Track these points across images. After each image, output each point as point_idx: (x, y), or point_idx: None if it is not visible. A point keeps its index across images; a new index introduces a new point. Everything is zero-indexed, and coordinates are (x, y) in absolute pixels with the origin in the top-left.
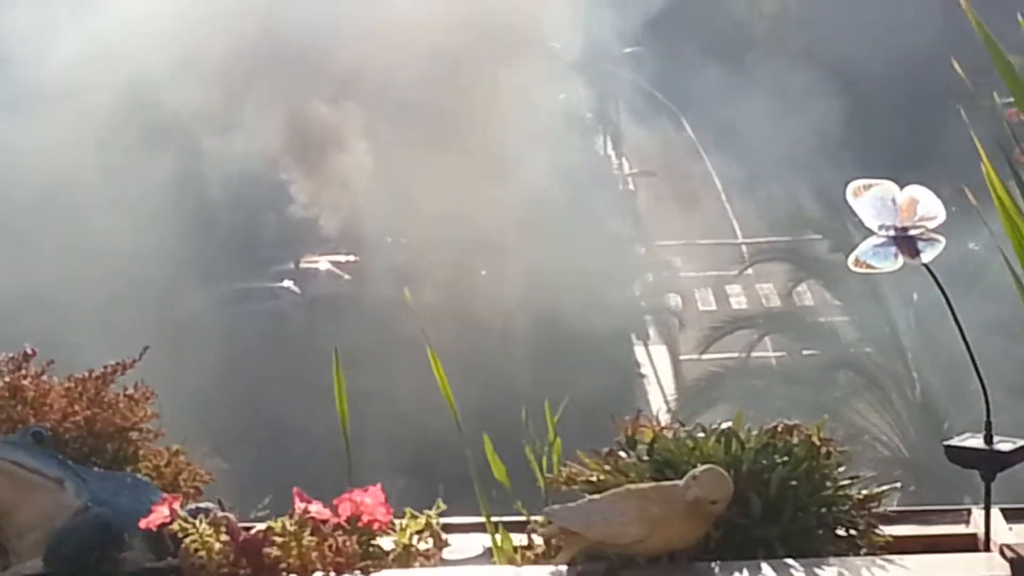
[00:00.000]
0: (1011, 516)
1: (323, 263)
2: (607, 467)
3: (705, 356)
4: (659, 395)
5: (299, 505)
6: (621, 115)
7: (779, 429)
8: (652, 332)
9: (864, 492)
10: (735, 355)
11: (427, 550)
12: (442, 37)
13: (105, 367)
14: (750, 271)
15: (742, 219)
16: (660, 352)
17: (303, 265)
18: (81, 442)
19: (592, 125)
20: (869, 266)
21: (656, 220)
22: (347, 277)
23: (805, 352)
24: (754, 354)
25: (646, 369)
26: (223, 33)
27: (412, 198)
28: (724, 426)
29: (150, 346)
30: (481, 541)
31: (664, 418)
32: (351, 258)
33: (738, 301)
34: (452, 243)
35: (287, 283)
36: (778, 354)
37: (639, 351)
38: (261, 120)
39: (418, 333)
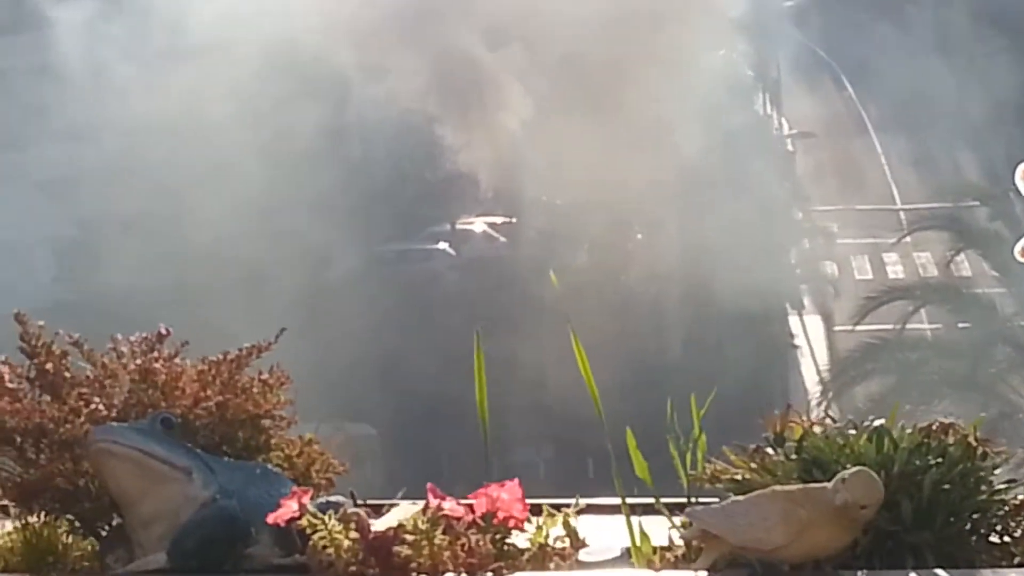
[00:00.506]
0: None
1: (479, 224)
2: (753, 465)
3: (859, 327)
4: (812, 366)
5: (432, 502)
6: (781, 73)
7: (934, 428)
8: (807, 301)
9: (1022, 496)
10: (890, 327)
11: (563, 550)
12: None
13: (240, 350)
14: (908, 239)
15: (902, 185)
16: (814, 322)
17: (459, 226)
18: (212, 429)
19: (752, 83)
20: None
21: (815, 184)
22: (503, 239)
23: (961, 325)
24: (909, 326)
25: (800, 340)
26: None
27: (569, 158)
28: (876, 423)
29: (286, 328)
30: (620, 543)
31: (815, 412)
32: (508, 220)
33: (895, 270)
34: (608, 206)
35: (442, 245)
36: (934, 326)
37: (793, 321)
38: (419, 74)
39: (569, 300)
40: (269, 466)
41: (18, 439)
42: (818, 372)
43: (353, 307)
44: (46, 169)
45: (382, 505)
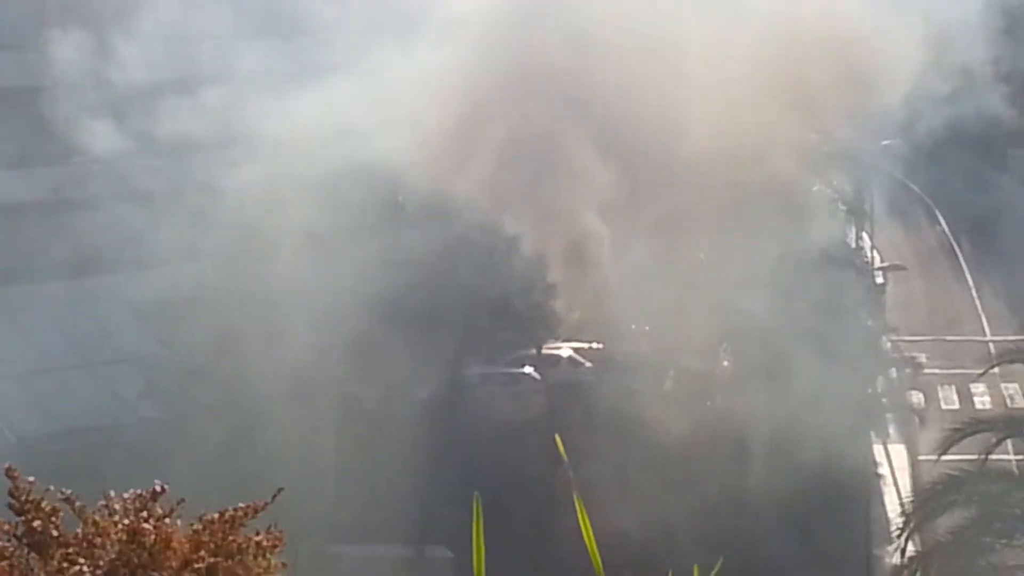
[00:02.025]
0: None
1: (565, 350)
2: None
3: (944, 457)
4: (895, 496)
5: None
6: (875, 206)
7: None
8: (892, 430)
9: None
10: (974, 457)
11: None
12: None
13: (235, 509)
14: (996, 370)
15: (992, 317)
16: (899, 451)
17: (545, 351)
18: None
19: (845, 216)
20: None
21: (904, 314)
22: (588, 364)
23: None
24: (993, 456)
25: (883, 468)
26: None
27: (662, 289)
28: None
29: (283, 488)
30: None
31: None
32: (595, 345)
33: (982, 401)
34: (696, 332)
35: (528, 369)
36: (1019, 458)
37: (878, 449)
38: (520, 211)
39: (646, 429)
40: None
41: None
42: (900, 503)
43: (436, 426)
44: (138, 291)
45: None
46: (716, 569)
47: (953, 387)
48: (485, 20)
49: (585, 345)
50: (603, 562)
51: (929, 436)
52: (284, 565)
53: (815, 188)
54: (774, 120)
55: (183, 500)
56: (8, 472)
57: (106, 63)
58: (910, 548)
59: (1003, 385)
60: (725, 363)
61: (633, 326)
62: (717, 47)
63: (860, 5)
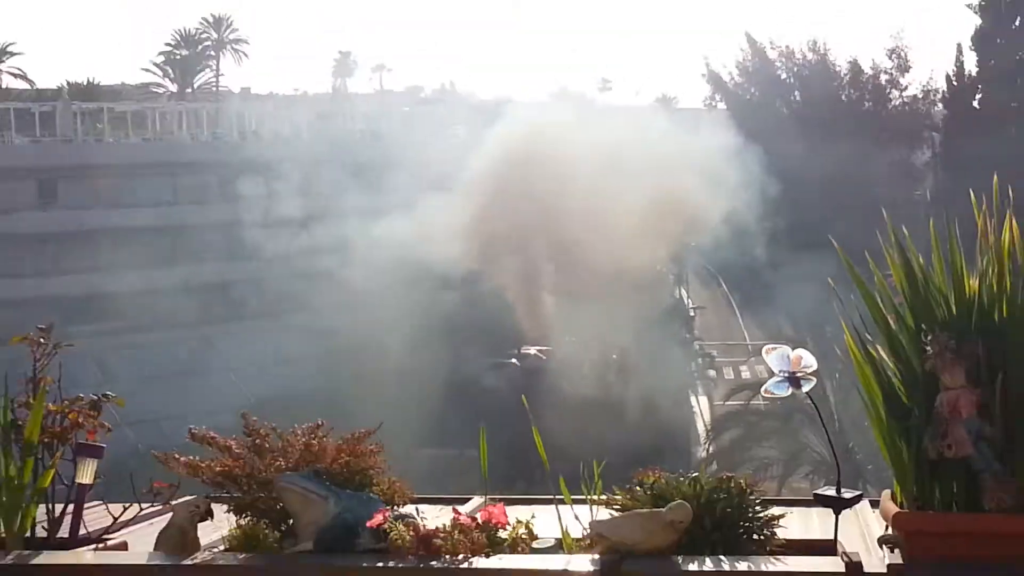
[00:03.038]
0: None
1: (532, 350)
2: (628, 496)
3: (727, 403)
4: (702, 422)
5: (456, 516)
6: (689, 277)
7: (724, 478)
8: (700, 390)
9: (768, 514)
10: (742, 403)
11: (525, 540)
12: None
13: (360, 432)
14: (753, 358)
15: (749, 330)
16: (703, 400)
17: (522, 351)
18: (342, 475)
19: (674, 282)
20: (771, 393)
21: (705, 331)
22: (544, 358)
23: (779, 402)
24: (752, 403)
25: (696, 408)
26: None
27: (579, 320)
28: (693, 475)
29: (383, 422)
30: (552, 533)
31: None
32: (546, 348)
33: (746, 374)
34: (597, 343)
35: (513, 360)
36: (764, 403)
37: (692, 400)
38: (505, 281)
39: (575, 393)
40: (371, 495)
41: (240, 480)
42: (705, 425)
43: (467, 393)
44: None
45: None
46: (602, 464)
47: (731, 368)
48: (487, 181)
49: (543, 348)
50: (548, 461)
51: (718, 393)
52: (385, 460)
53: (659, 268)
54: (642, 237)
55: (332, 428)
56: (243, 415)
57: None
58: (710, 449)
59: (757, 367)
60: (614, 356)
61: (566, 339)
62: (616, 197)
63: (692, 183)
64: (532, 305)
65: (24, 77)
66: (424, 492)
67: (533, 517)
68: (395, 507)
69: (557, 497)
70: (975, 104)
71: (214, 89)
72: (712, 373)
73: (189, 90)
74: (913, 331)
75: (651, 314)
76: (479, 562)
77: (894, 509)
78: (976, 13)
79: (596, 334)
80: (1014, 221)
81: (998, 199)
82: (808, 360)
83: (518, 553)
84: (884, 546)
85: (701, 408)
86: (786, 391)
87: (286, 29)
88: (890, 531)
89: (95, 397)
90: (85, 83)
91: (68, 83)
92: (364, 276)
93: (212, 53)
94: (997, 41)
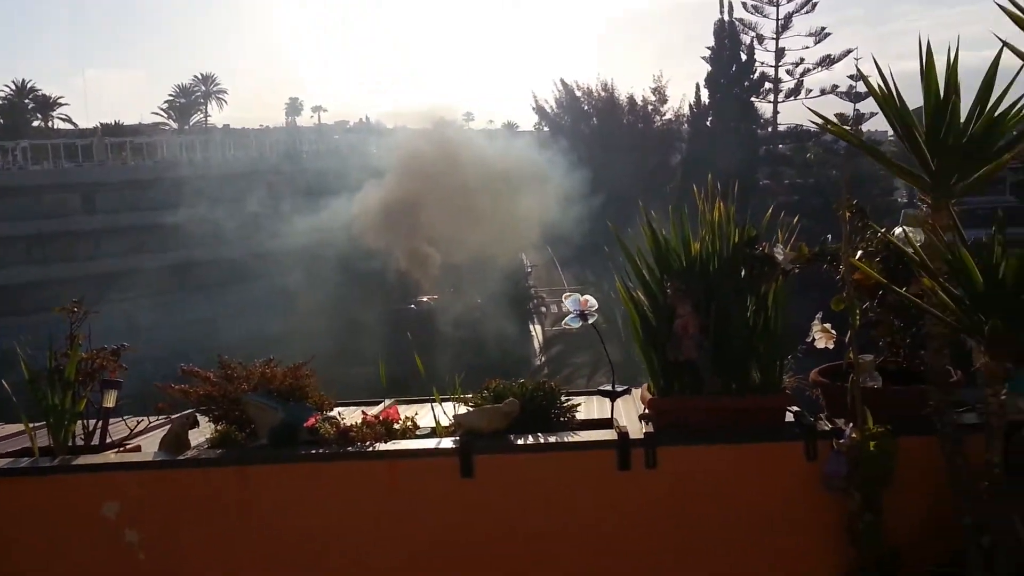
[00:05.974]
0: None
1: (425, 297)
2: (479, 397)
3: (553, 328)
4: (537, 342)
5: (364, 416)
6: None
7: (541, 383)
8: (535, 319)
9: (570, 403)
10: (564, 327)
11: (411, 429)
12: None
13: (301, 363)
14: (572, 294)
15: (567, 279)
16: (538, 328)
17: (418, 298)
18: (287, 393)
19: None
20: (568, 326)
21: (537, 281)
22: (431, 303)
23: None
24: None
25: (533, 333)
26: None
27: (456, 280)
28: (521, 380)
29: (316, 355)
30: (429, 424)
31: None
32: (434, 296)
33: (567, 308)
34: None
35: (412, 305)
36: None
37: (530, 326)
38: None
39: (443, 324)
40: (307, 404)
41: (217, 399)
42: (539, 344)
43: (375, 329)
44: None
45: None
46: (462, 376)
47: (555, 304)
48: (390, 184)
49: (432, 297)
50: (427, 373)
51: (548, 322)
52: (316, 381)
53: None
54: (504, 232)
55: (280, 360)
56: (220, 358)
57: None
58: (543, 359)
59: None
60: (479, 301)
61: (449, 289)
62: (478, 196)
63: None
64: (424, 272)
65: (69, 120)
66: (350, 398)
67: (416, 414)
68: (323, 412)
69: (432, 399)
70: (708, 124)
71: (204, 126)
72: (544, 309)
73: (187, 127)
74: (658, 278)
75: (503, 274)
76: (380, 446)
77: (648, 396)
78: (707, 62)
79: (468, 289)
80: (721, 204)
81: (712, 189)
82: (592, 302)
83: (407, 438)
84: (643, 420)
85: (536, 333)
86: (578, 324)
87: (253, 81)
88: (646, 411)
89: (115, 347)
90: (113, 123)
91: (101, 124)
92: (302, 249)
93: (202, 100)
94: (721, 81)
